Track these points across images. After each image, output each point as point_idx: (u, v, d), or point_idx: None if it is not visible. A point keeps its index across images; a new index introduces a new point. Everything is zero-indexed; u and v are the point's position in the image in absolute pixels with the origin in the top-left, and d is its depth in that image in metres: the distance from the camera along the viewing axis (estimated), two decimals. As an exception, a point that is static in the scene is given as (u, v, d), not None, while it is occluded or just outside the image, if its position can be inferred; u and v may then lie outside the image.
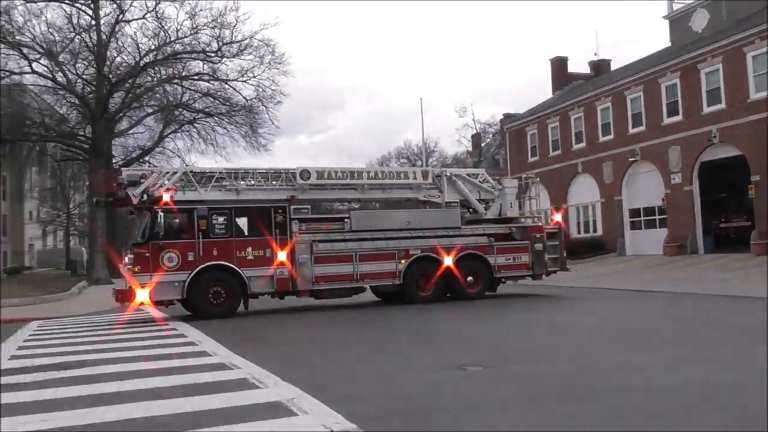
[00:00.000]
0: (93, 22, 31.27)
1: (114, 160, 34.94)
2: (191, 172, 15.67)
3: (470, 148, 58.28)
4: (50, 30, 30.79)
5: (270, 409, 5.60)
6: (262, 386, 6.62)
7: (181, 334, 11.55)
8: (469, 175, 18.06)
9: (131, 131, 36.07)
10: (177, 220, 14.28)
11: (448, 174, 17.60)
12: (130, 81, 32.11)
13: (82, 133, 34.99)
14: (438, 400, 5.90)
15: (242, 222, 14.88)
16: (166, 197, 14.15)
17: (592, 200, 33.63)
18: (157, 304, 14.28)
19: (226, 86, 33.71)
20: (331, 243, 15.34)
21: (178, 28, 32.03)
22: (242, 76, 32.91)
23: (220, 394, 6.29)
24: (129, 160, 36.02)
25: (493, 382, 6.63)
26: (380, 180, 16.91)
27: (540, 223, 17.87)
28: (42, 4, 29.69)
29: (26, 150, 35.58)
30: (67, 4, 30.87)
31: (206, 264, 14.02)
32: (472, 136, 57.65)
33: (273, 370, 7.33)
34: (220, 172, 15.65)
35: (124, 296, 13.78)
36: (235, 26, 31.63)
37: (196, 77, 33.67)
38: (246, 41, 31.78)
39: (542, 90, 67.44)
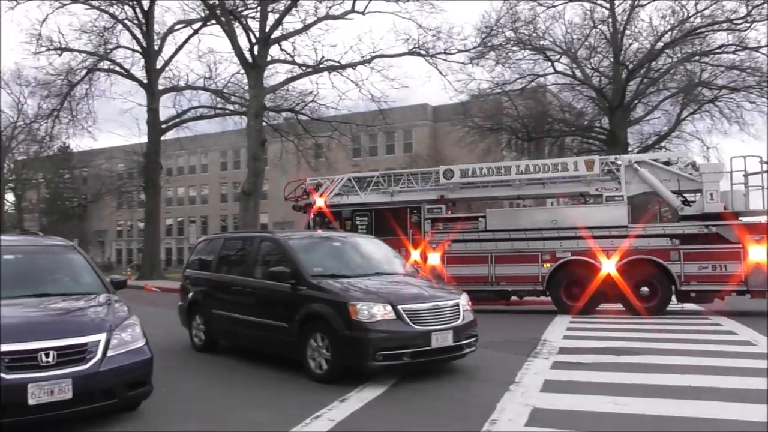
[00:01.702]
0: (608, 14, 32.38)
1: (629, 148, 35.57)
2: (354, 178, 17.63)
3: None
4: (568, 30, 33.24)
5: None
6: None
7: (729, 331, 11.17)
8: (661, 161, 14.80)
9: (647, 117, 36.10)
10: (327, 222, 16.47)
11: (628, 161, 14.85)
12: (646, 66, 32.11)
13: (598, 125, 36.74)
14: None
15: (380, 222, 16.06)
16: (320, 202, 16.59)
17: None
18: None
19: (756, 55, 30.45)
20: (464, 243, 15.30)
21: (696, 1, 30.46)
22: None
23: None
24: (645, 147, 36.16)
25: None
26: (534, 174, 15.51)
27: (765, 222, 13.29)
28: (560, 7, 32.19)
29: (548, 145, 39.32)
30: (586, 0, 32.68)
31: None
32: None
33: None
34: (377, 177, 17.25)
35: None
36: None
37: (719, 50, 31.44)
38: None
39: None
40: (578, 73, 34.04)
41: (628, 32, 33.19)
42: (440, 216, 16.09)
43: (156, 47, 34.95)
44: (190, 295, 10.56)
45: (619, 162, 14.89)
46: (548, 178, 15.61)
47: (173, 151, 54.67)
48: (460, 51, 30.39)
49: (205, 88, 35.06)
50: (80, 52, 33.99)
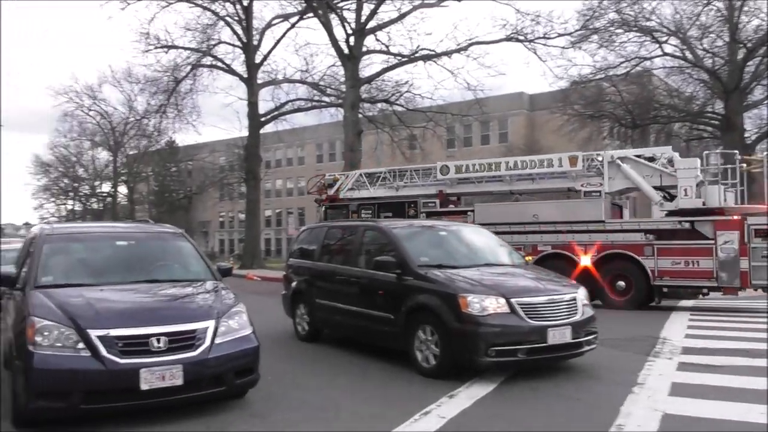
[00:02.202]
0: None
1: (746, 134, 33.10)
2: (365, 173, 18.93)
3: None
4: (677, 9, 31.26)
5: None
6: None
7: None
8: (642, 156, 14.80)
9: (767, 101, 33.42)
10: (338, 215, 18.24)
11: (611, 157, 14.91)
12: (767, 45, 29.67)
13: (710, 110, 34.42)
14: None
15: (384, 215, 17.11)
16: (336, 193, 18.65)
17: None
18: None
19: None
20: None
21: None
22: None
23: None
24: (763, 134, 33.53)
25: None
26: (522, 170, 16.01)
27: (736, 217, 13.01)
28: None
29: (654, 132, 37.25)
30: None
31: None
32: None
33: None
34: (384, 172, 18.46)
35: None
36: None
37: None
38: None
39: None
40: (689, 54, 31.95)
41: (746, 8, 30.82)
42: (434, 210, 16.83)
43: (255, 42, 35.68)
44: (294, 284, 10.49)
45: (600, 158, 15.14)
46: (537, 174, 15.98)
47: (272, 143, 56.12)
48: (560, 35, 29.17)
49: (302, 81, 35.52)
50: (185, 49, 35.21)
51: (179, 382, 5.52)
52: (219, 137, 53.06)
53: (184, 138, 66.58)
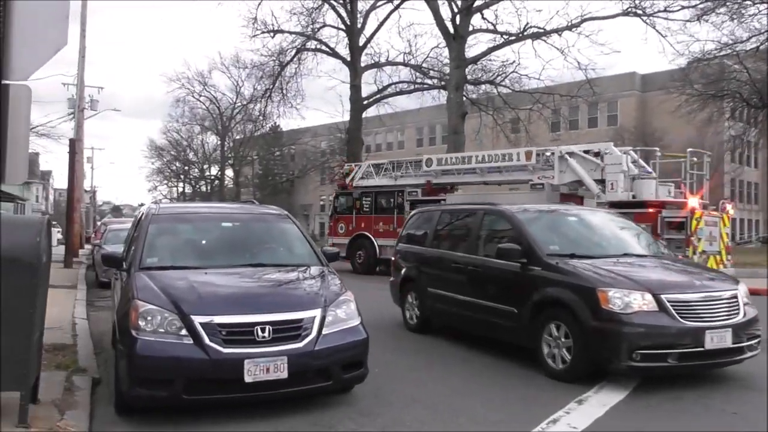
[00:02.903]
0: None
1: None
2: (372, 164, 20.99)
3: None
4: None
5: None
6: None
7: None
8: (586, 151, 15.69)
9: None
10: (345, 201, 20.84)
11: (560, 152, 15.99)
12: None
13: None
14: None
15: (378, 203, 19.78)
16: (351, 182, 20.80)
17: None
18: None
19: None
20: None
21: None
22: None
23: None
24: None
25: None
26: (489, 163, 17.47)
27: (652, 210, 13.31)
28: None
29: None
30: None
31: (356, 233, 19.75)
32: None
33: None
34: (386, 163, 20.54)
35: None
36: None
37: None
38: None
39: None
40: None
41: None
42: (416, 198, 18.59)
43: (359, 25, 35.40)
44: (403, 271, 9.77)
45: (548, 153, 16.34)
46: (504, 167, 17.31)
47: (373, 127, 56.07)
48: (684, 8, 26.87)
49: (405, 64, 34.88)
50: (290, 33, 35.39)
51: (284, 375, 5.02)
52: (321, 122, 53.61)
53: (288, 123, 67.91)
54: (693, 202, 13.44)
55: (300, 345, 5.17)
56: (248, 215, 7.30)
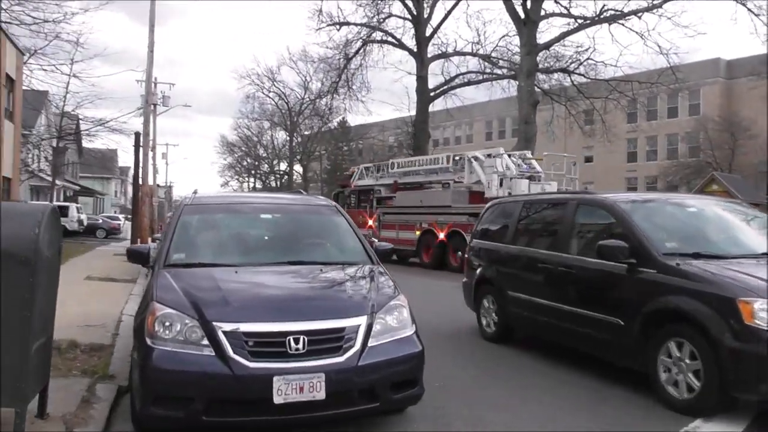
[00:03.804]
0: None
1: None
2: (364, 166, 24.42)
3: None
4: None
5: None
6: None
7: None
8: (487, 156, 18.71)
9: None
10: (338, 200, 22.32)
11: (468, 156, 19.07)
12: None
13: None
14: None
15: (358, 200, 23.26)
16: (352, 183, 24.23)
17: None
18: None
19: None
20: (387, 215, 21.59)
21: None
22: None
23: None
24: None
25: None
26: (426, 166, 21.07)
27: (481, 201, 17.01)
28: None
29: None
30: None
31: None
32: None
33: None
34: (372, 166, 23.99)
35: None
36: None
37: None
38: None
39: None
40: None
41: None
42: (381, 196, 22.52)
43: (425, 14, 34.39)
44: (478, 271, 8.58)
45: (457, 157, 19.74)
46: (438, 169, 20.44)
47: (440, 121, 55.03)
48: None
49: (473, 53, 33.62)
50: (356, 25, 34.77)
51: (320, 395, 4.17)
52: (389, 116, 52.98)
53: (355, 118, 67.61)
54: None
55: (341, 359, 4.32)
56: (291, 206, 6.50)
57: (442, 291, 13.29)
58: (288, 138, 64.90)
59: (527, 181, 17.55)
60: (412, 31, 34.60)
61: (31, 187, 39.32)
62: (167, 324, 4.35)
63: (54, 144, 30.56)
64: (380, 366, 4.43)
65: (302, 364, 4.22)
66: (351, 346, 4.38)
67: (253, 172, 73.02)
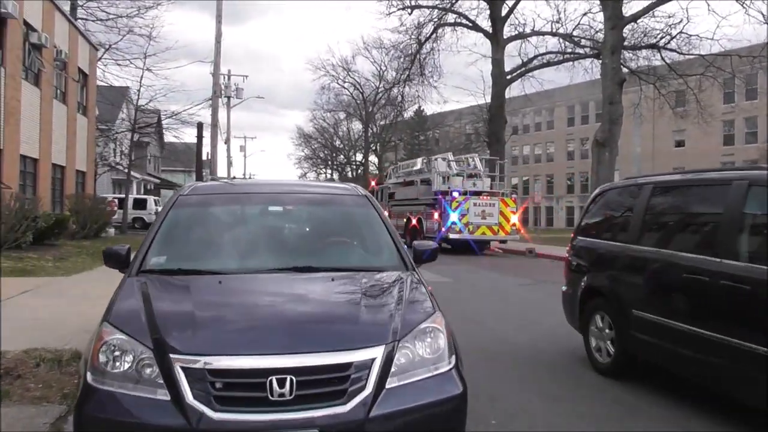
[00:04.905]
0: None
1: None
2: (392, 167, 32.39)
3: None
4: None
5: None
6: None
7: None
8: (445, 159, 24.87)
9: None
10: (377, 195, 28.61)
11: (434, 158, 25.50)
12: None
13: None
14: None
15: (383, 197, 28.37)
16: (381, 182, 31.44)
17: None
18: None
19: None
20: (393, 207, 26.95)
21: None
22: None
23: None
24: None
25: None
26: (413, 168, 27.62)
27: (440, 195, 23.04)
28: None
29: None
30: None
31: None
32: None
33: None
34: (394, 166, 32.14)
35: None
36: None
37: None
38: None
39: None
40: None
41: None
42: (390, 192, 28.06)
43: (501, -7, 32.48)
44: (586, 278, 6.52)
45: (425, 160, 27.00)
46: (418, 170, 26.57)
47: (519, 106, 52.75)
48: None
49: (552, 33, 31.44)
50: (428, 7, 33.27)
51: (314, 462, 2.93)
52: (465, 104, 51.26)
53: (431, 107, 66.17)
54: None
55: (344, 409, 3.03)
56: (309, 196, 5.21)
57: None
58: (363, 128, 64.18)
59: (460, 178, 23.44)
60: (487, 11, 32.76)
61: (113, 181, 40.19)
62: (117, 354, 3.21)
63: (130, 137, 30.94)
64: (401, 417, 3.12)
65: (288, 417, 2.97)
66: (360, 390, 3.09)
67: (329, 162, 72.86)
